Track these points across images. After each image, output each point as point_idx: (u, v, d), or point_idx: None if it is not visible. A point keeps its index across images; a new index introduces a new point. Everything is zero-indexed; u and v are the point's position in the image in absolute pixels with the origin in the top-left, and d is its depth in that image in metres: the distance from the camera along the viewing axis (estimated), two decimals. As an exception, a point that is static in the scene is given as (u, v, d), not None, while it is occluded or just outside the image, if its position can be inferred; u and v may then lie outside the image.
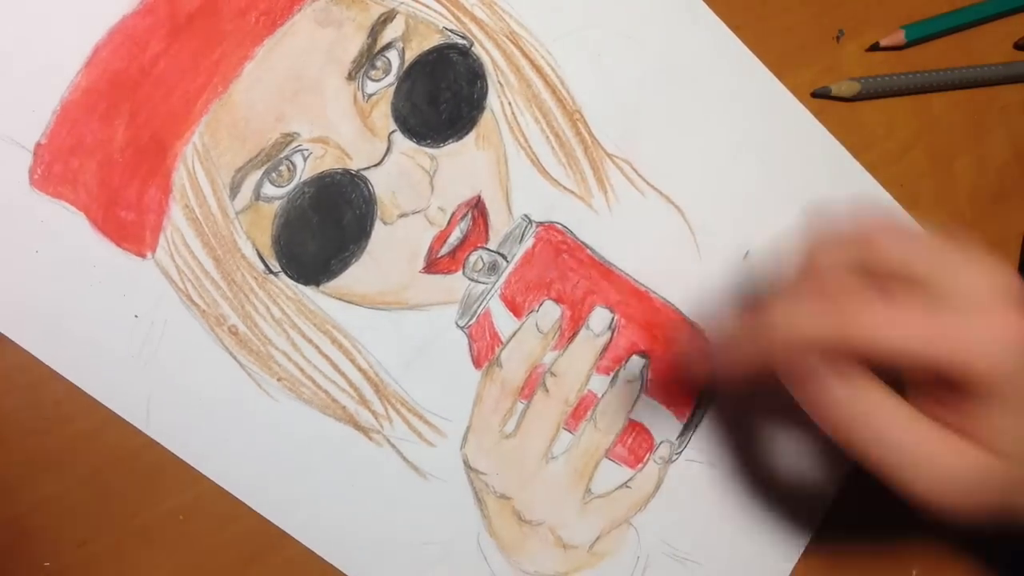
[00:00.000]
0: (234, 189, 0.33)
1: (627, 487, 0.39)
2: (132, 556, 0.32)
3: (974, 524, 0.32)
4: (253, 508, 0.33)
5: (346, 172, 0.34)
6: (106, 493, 0.31)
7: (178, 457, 0.32)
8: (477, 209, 0.36)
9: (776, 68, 0.42)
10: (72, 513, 0.31)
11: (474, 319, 0.36)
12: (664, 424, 0.39)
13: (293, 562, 0.34)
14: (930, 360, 0.30)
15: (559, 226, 0.38)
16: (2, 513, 0.30)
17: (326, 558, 0.34)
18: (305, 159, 0.34)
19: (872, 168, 0.45)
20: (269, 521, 0.33)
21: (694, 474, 0.40)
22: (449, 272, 0.36)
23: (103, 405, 0.31)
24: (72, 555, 0.31)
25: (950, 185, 0.48)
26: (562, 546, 0.38)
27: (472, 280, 0.36)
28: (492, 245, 0.37)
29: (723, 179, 0.41)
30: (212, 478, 0.32)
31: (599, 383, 0.38)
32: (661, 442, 0.39)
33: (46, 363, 0.30)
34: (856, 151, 0.44)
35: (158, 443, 0.32)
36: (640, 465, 0.39)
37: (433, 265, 0.36)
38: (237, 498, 0.33)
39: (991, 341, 0.30)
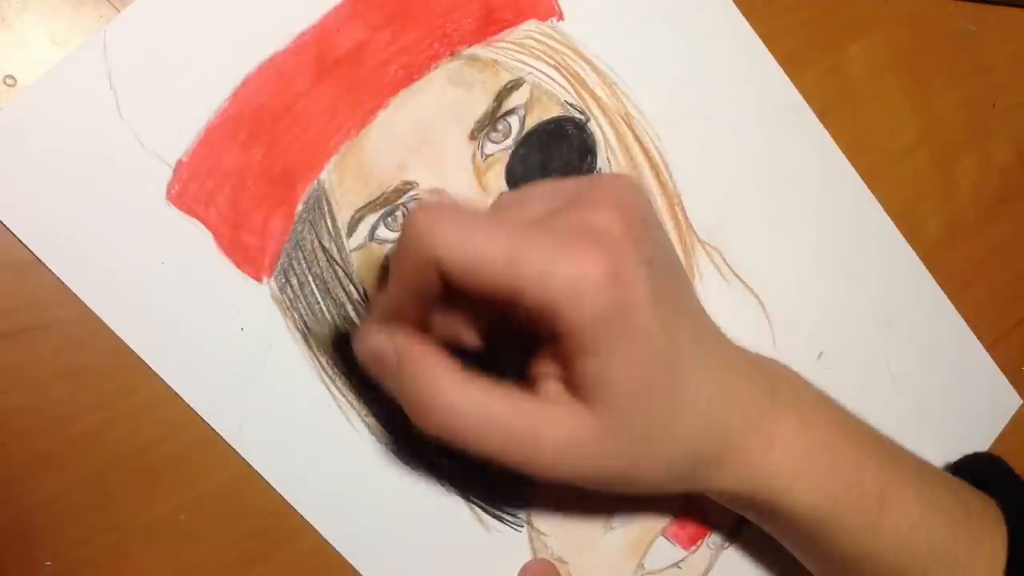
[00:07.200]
0: (351, 228, 0.34)
1: (678, 567, 0.39)
2: (132, 556, 0.32)
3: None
4: (325, 539, 0.34)
5: None
6: (106, 493, 0.31)
7: (178, 457, 0.32)
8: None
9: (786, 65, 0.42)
10: (72, 513, 0.31)
11: None
12: (722, 510, 0.40)
13: (294, 562, 0.34)
14: (509, 289, 0.26)
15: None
16: (2, 513, 0.30)
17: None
18: (420, 208, 0.35)
19: (874, 170, 0.44)
20: (271, 521, 0.33)
21: (745, 564, 0.40)
22: None
23: (104, 405, 0.31)
24: (72, 555, 0.31)
25: (953, 187, 0.48)
26: (609, 616, 0.38)
27: None
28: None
29: (806, 279, 0.43)
30: (290, 502, 0.33)
31: (664, 461, 0.39)
32: (717, 527, 0.40)
33: (159, 373, 0.31)
34: (858, 153, 0.44)
35: (158, 443, 0.32)
36: (694, 547, 0.39)
37: None
38: (239, 499, 0.33)
39: (574, 278, 0.26)
